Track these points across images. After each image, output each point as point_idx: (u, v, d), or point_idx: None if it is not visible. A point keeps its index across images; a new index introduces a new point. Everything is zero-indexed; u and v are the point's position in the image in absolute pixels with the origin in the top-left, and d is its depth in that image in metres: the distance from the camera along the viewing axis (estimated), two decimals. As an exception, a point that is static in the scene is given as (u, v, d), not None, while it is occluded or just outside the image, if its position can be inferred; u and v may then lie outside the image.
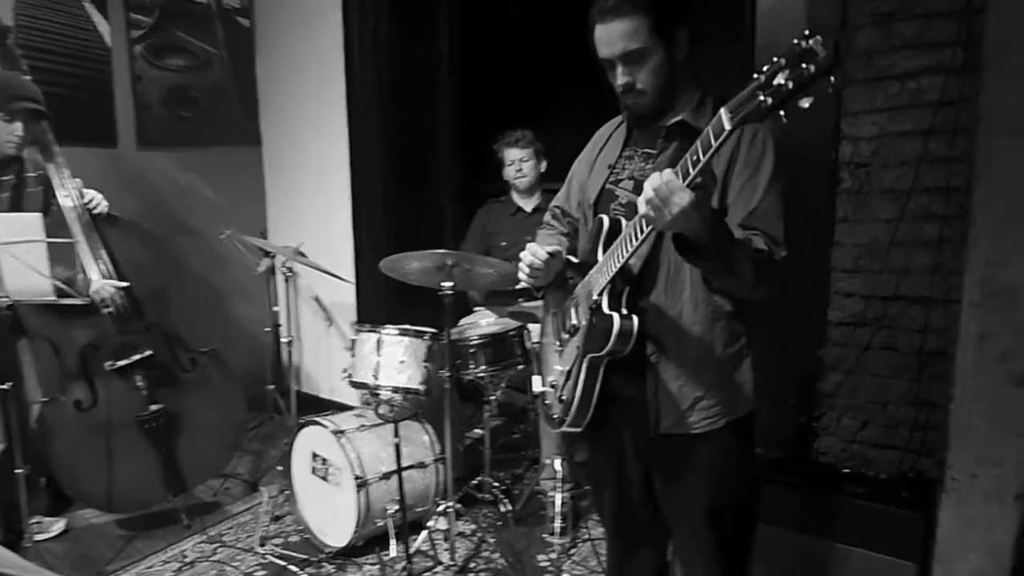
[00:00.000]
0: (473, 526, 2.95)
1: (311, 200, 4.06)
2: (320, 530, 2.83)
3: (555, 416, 1.68)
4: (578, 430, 1.62)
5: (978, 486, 1.91)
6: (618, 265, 1.46)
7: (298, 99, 4.03)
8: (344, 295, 3.86)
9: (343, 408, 3.31)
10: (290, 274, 3.84)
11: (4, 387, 2.46)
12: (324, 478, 2.80)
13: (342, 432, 2.72)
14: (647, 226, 1.35)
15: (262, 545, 2.84)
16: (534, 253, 1.62)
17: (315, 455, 2.84)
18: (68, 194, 2.67)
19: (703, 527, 1.60)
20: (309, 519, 2.89)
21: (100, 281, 2.62)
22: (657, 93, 1.52)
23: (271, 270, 3.67)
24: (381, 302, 3.65)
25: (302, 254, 3.00)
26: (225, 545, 2.87)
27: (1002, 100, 1.81)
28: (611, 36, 1.46)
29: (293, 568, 2.67)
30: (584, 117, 1.84)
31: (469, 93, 3.98)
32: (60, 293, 2.35)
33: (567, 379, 1.63)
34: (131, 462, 2.81)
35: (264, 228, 4.23)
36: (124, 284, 2.67)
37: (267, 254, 3.54)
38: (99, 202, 2.73)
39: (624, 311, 1.50)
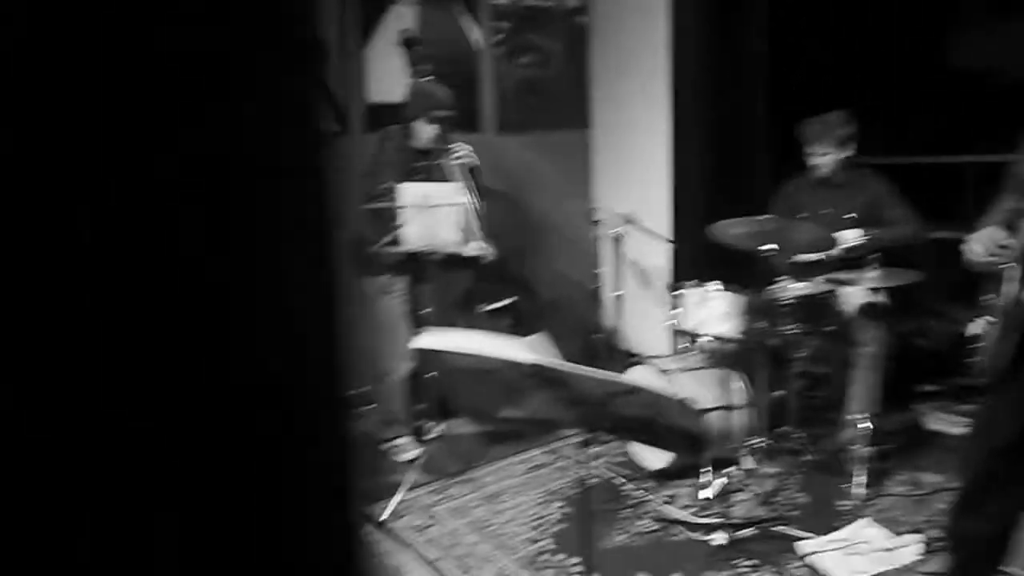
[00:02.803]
0: (777, 469, 3.27)
1: (633, 175, 4.58)
2: (639, 455, 3.35)
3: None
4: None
5: None
6: None
7: (626, 87, 4.56)
8: (659, 259, 4.35)
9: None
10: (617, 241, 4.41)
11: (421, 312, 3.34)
12: (647, 410, 3.30)
13: (667, 371, 3.20)
14: None
15: (592, 461, 3.45)
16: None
17: (639, 391, 3.36)
18: (457, 176, 3.47)
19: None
20: (630, 446, 3.43)
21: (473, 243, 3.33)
22: None
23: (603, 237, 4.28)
24: (695, 264, 4.06)
25: (631, 221, 3.52)
26: (563, 457, 3.53)
27: None
28: None
29: (620, 480, 3.24)
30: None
31: (781, 72, 4.18)
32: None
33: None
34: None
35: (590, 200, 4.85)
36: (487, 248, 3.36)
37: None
38: (468, 154, 3.48)
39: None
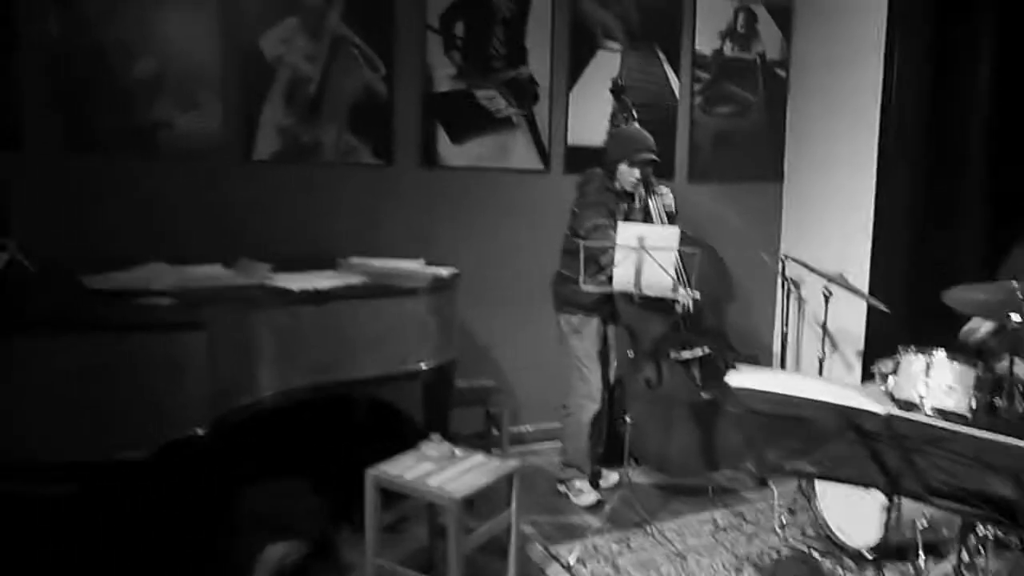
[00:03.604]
0: (999, 564, 2.94)
1: (827, 231, 4.39)
2: (839, 528, 3.12)
3: None
4: None
5: None
6: None
7: (825, 139, 4.41)
8: (849, 322, 4.11)
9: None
10: (799, 298, 4.23)
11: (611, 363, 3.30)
12: (850, 482, 3.09)
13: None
14: None
15: (782, 528, 3.25)
16: None
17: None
18: (660, 220, 3.45)
19: None
20: (829, 516, 3.20)
21: (682, 290, 3.29)
22: None
23: (789, 292, 4.11)
24: (896, 330, 3.80)
25: (844, 279, 3.35)
26: (748, 522, 3.35)
27: None
28: None
29: (815, 555, 3.02)
30: None
31: (1004, 127, 3.90)
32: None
33: None
34: (681, 436, 3.47)
35: (768, 254, 4.68)
36: (697, 295, 3.31)
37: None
38: (670, 199, 3.47)
39: None
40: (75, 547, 2.00)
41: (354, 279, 2.73)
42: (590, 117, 4.11)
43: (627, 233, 2.92)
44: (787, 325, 4.25)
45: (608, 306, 3.50)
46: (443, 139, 3.83)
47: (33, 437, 1.90)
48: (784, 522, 3.30)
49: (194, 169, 3.39)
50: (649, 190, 3.50)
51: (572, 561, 2.93)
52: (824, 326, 3.66)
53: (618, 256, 2.95)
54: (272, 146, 3.52)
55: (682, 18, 4.29)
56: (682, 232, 3.41)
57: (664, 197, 3.54)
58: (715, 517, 3.40)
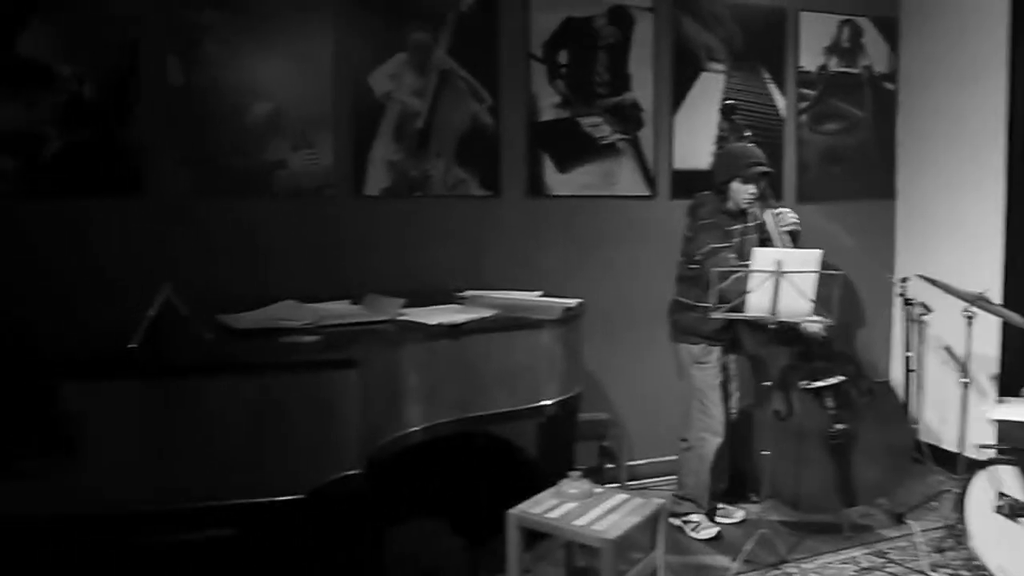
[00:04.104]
0: None
1: (946, 251, 4.17)
2: (1001, 569, 2.89)
3: None
4: None
5: None
6: None
7: (942, 153, 4.20)
8: (983, 347, 3.86)
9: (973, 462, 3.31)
10: (922, 321, 3.99)
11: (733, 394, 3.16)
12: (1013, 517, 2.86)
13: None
14: None
15: (933, 570, 3.03)
16: None
17: (1002, 495, 2.92)
18: (780, 240, 3.31)
19: None
20: (987, 557, 2.96)
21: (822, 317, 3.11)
22: None
23: (911, 316, 3.89)
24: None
25: (986, 300, 3.15)
26: (892, 562, 3.13)
27: None
28: None
29: (977, 598, 2.80)
30: None
31: None
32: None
33: None
34: (814, 471, 3.28)
35: (891, 275, 4.46)
36: (828, 321, 3.14)
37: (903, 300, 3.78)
38: (792, 216, 3.34)
39: None
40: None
41: (483, 312, 2.68)
42: (696, 140, 4.02)
43: (765, 257, 2.80)
44: (910, 349, 4.02)
45: (730, 335, 3.37)
46: (549, 168, 3.78)
47: (193, 481, 1.88)
48: (933, 562, 3.09)
49: (307, 206, 3.41)
50: (764, 207, 3.38)
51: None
52: (965, 350, 3.44)
53: (754, 282, 2.82)
54: (382, 181, 3.52)
55: (785, 35, 4.17)
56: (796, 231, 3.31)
57: (783, 216, 3.42)
58: (855, 557, 3.19)
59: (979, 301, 3.19)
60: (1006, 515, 2.87)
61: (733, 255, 3.19)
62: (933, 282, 3.30)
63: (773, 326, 3.03)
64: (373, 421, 2.10)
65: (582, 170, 3.84)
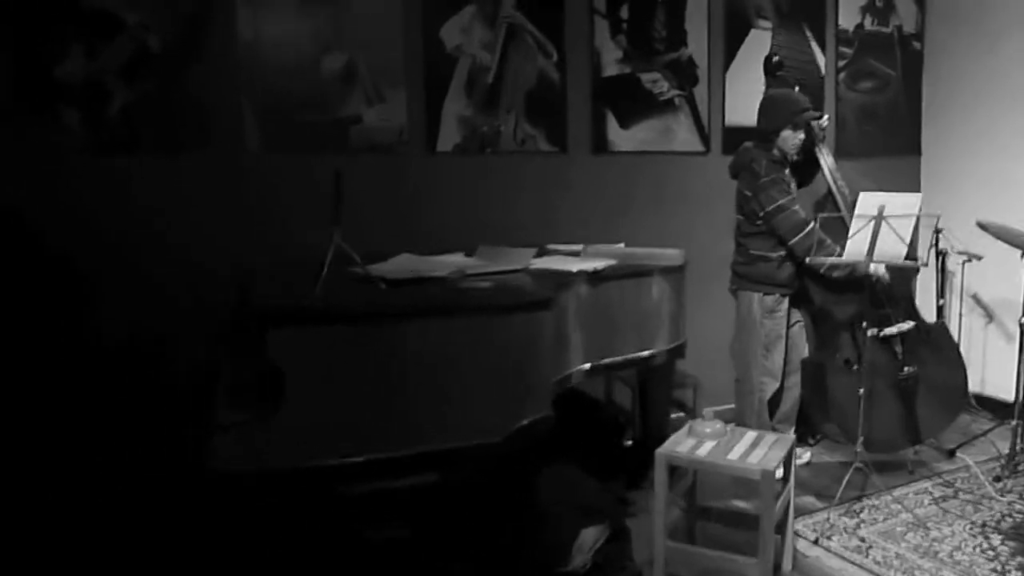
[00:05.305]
0: None
1: (970, 205, 4.39)
2: (1067, 492, 3.12)
3: None
4: None
5: None
6: None
7: (962, 112, 4.42)
8: (1008, 292, 4.12)
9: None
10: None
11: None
12: (1080, 445, 3.09)
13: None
14: None
15: (1002, 495, 3.24)
16: None
17: (1067, 423, 3.14)
18: (828, 172, 3.49)
19: None
20: (1052, 481, 3.20)
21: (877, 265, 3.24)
22: None
23: (941, 267, 4.11)
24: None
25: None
26: (961, 490, 3.33)
27: None
28: None
29: (1054, 518, 3.02)
30: None
31: None
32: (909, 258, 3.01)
33: None
34: (884, 413, 3.43)
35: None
36: (922, 263, 3.25)
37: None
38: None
39: None
40: (432, 536, 1.95)
41: (609, 260, 2.69)
42: (746, 97, 4.09)
43: (868, 202, 2.90)
44: (943, 297, 4.24)
45: (798, 284, 3.48)
46: (612, 124, 3.80)
47: (403, 429, 1.85)
48: (998, 489, 3.30)
49: (383, 163, 3.35)
50: (816, 148, 3.49)
51: (814, 539, 2.90)
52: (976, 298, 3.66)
53: (855, 226, 2.93)
54: (454, 137, 3.48)
55: (826, -6, 4.29)
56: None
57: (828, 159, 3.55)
58: (926, 488, 3.38)
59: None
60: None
61: (800, 208, 3.30)
62: (990, 227, 3.48)
63: (841, 274, 3.17)
64: (555, 363, 2.11)
65: (642, 126, 3.87)
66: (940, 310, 4.23)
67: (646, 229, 3.84)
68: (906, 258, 2.97)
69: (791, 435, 2.61)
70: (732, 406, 3.70)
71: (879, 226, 2.88)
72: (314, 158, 3.21)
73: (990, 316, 4.35)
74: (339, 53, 3.25)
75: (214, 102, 3.04)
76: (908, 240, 2.88)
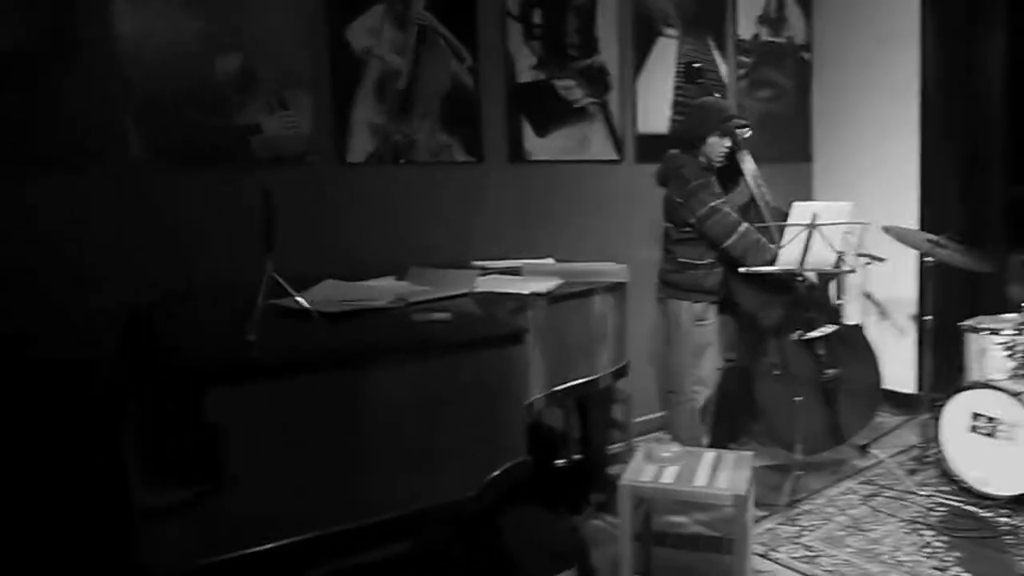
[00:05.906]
0: None
1: (860, 212, 4.60)
2: (980, 481, 3.26)
3: None
4: None
5: None
6: None
7: (850, 119, 4.63)
8: (898, 290, 4.34)
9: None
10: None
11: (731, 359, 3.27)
12: (990, 435, 3.23)
13: (1019, 394, 3.14)
14: None
15: (920, 488, 3.36)
16: None
17: (976, 415, 3.29)
18: (751, 179, 3.51)
19: None
20: (964, 472, 3.33)
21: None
22: None
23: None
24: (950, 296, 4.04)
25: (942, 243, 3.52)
26: (884, 487, 3.42)
27: None
28: None
29: (969, 507, 3.15)
30: None
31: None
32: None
33: None
34: (810, 415, 3.47)
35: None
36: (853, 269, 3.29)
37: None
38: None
39: None
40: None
41: (555, 280, 2.52)
42: (656, 105, 4.07)
43: (801, 211, 2.90)
44: (839, 298, 4.40)
45: (724, 291, 3.47)
46: (528, 132, 3.65)
47: (365, 493, 1.58)
48: (916, 482, 3.42)
49: (289, 175, 3.02)
50: (736, 156, 3.52)
51: (762, 552, 2.87)
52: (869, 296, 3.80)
53: (788, 235, 2.92)
54: (367, 147, 3.20)
55: (725, 3, 4.33)
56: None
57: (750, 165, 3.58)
58: (851, 487, 3.45)
59: (936, 243, 3.53)
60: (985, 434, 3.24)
61: (732, 211, 3.29)
62: (893, 231, 3.62)
63: (800, 281, 3.19)
64: (526, 399, 1.90)
65: (559, 134, 3.75)
66: (838, 310, 4.40)
67: (565, 240, 3.72)
68: (835, 265, 3.01)
69: (748, 453, 2.54)
70: (660, 415, 3.64)
71: (811, 235, 2.89)
72: (211, 172, 2.85)
73: (883, 313, 4.56)
74: (234, 54, 2.89)
75: (85, 109, 2.61)
76: (837, 247, 2.91)
